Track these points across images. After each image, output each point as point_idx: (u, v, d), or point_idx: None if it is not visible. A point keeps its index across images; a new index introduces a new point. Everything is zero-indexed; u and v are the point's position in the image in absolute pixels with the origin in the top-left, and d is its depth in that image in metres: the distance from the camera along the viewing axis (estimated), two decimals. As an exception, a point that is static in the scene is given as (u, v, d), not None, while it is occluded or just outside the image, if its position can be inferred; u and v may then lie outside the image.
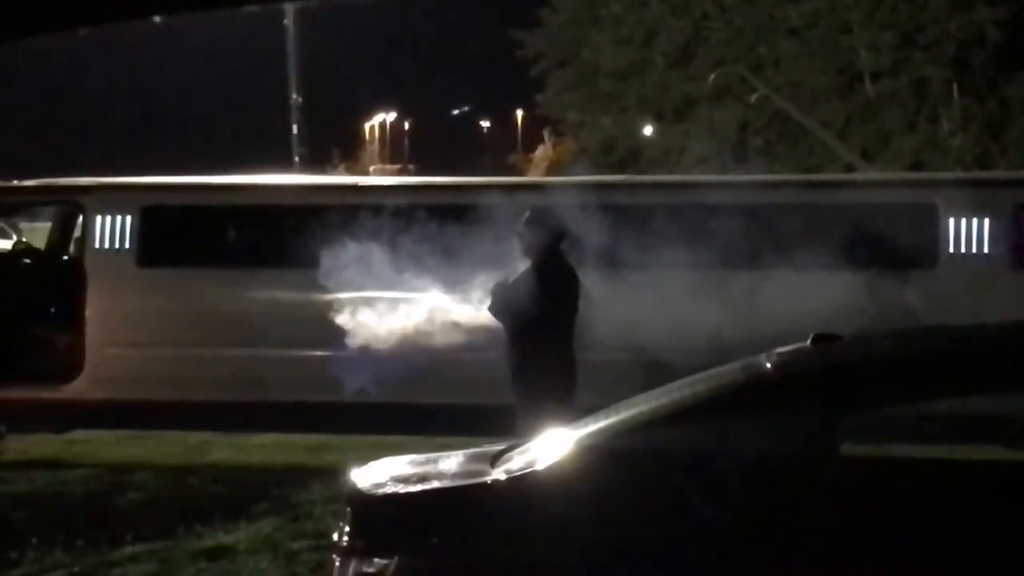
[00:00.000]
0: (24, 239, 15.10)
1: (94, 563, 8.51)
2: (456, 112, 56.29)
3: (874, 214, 10.99)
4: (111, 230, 11.58)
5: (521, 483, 4.91)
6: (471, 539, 4.85)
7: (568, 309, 9.00)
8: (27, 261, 13.06)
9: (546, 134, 30.64)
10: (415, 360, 10.49)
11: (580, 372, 9.11)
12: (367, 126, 58.39)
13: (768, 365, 5.21)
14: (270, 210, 11.74)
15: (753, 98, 24.90)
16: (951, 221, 10.81)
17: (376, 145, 57.72)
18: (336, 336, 10.70)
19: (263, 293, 11.38)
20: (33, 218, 20.49)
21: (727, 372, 5.32)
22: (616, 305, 10.59)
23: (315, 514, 9.45)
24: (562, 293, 8.95)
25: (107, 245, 11.59)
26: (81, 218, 12.11)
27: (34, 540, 8.80)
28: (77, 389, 11.46)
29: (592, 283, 10.23)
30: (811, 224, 10.49)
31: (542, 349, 8.81)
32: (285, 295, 11.20)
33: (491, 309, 9.20)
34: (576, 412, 8.51)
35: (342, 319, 10.69)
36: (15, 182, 12.75)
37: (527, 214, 9.24)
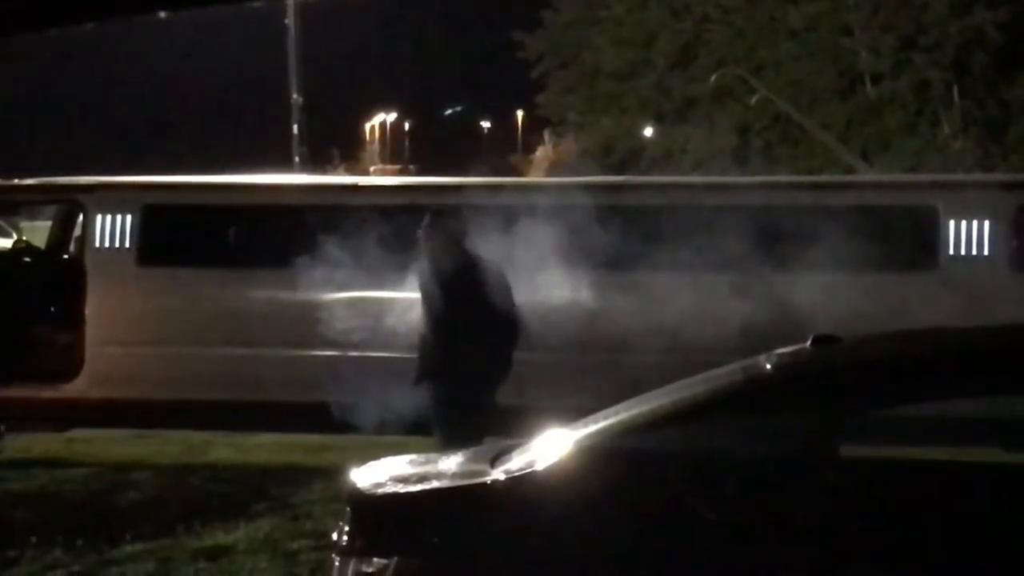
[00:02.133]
0: (24, 238, 15.10)
1: (93, 562, 8.50)
2: (448, 112, 56.18)
3: (874, 216, 10.99)
4: (111, 229, 11.58)
5: (520, 483, 4.92)
6: (470, 539, 4.85)
7: (468, 311, 9.00)
8: (27, 260, 13.06)
9: (546, 135, 30.64)
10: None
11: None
12: (367, 126, 58.41)
13: (768, 366, 5.22)
14: (270, 210, 11.73)
15: (754, 100, 24.91)
16: (951, 223, 10.81)
17: (376, 145, 57.73)
18: (337, 336, 10.72)
19: (263, 293, 11.38)
20: (33, 217, 20.49)
21: (727, 373, 5.32)
22: (614, 308, 10.62)
23: (315, 514, 9.45)
24: (458, 295, 8.98)
25: (107, 244, 11.59)
26: (81, 217, 12.11)
27: (33, 539, 8.80)
28: (77, 388, 11.45)
29: (588, 285, 10.30)
30: (811, 226, 10.48)
31: (447, 351, 8.92)
32: (285, 295, 11.19)
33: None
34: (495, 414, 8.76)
35: (343, 319, 10.70)
36: (15, 181, 12.75)
37: (426, 219, 9.28)
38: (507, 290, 9.10)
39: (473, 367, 8.89)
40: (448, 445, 8.08)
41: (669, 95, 28.24)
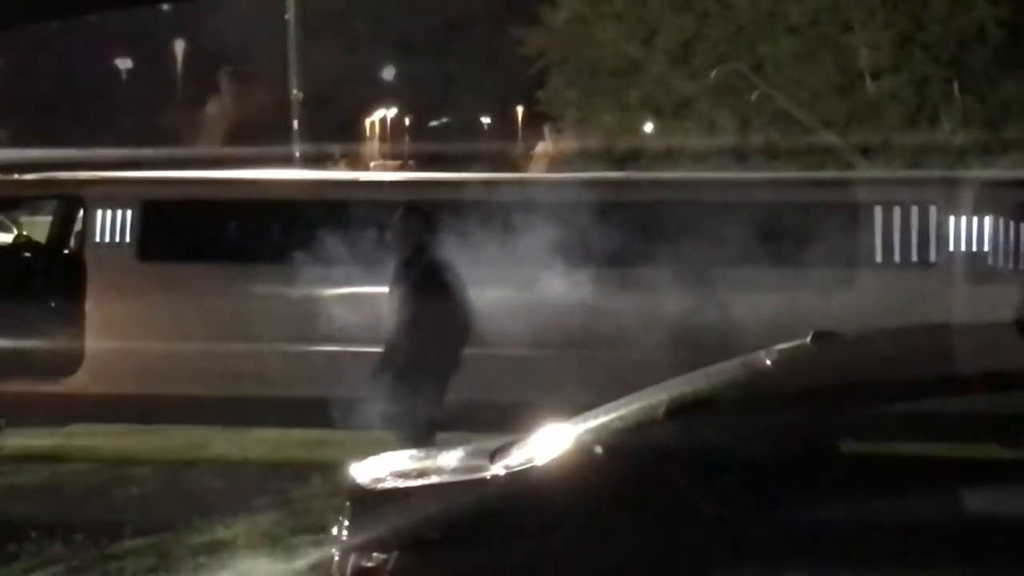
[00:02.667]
0: (24, 233, 15.11)
1: (93, 557, 8.51)
2: (435, 124, 56.50)
3: (873, 212, 10.99)
4: (112, 224, 11.58)
5: (520, 478, 4.92)
6: (470, 534, 4.86)
7: (436, 307, 9.08)
8: (27, 255, 13.06)
9: (546, 131, 30.57)
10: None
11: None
12: (368, 122, 58.37)
13: (768, 362, 5.23)
14: (270, 205, 11.74)
15: (754, 96, 24.90)
16: (951, 220, 10.81)
17: (376, 141, 57.71)
18: (337, 332, 10.73)
19: (263, 288, 11.38)
20: (34, 212, 20.51)
21: (727, 368, 5.33)
22: (615, 305, 10.64)
23: (314, 509, 9.45)
24: (429, 290, 9.07)
25: (107, 239, 11.59)
26: (82, 212, 12.12)
27: (33, 534, 8.80)
28: (77, 383, 11.46)
29: (585, 281, 10.33)
30: (811, 222, 10.50)
31: (412, 346, 9.01)
32: (285, 290, 11.20)
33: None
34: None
35: (342, 314, 10.71)
36: (16, 176, 12.76)
37: (398, 213, 9.40)
38: (463, 288, 9.23)
39: (436, 364, 9.01)
40: (415, 442, 8.17)
41: (669, 91, 28.21)
